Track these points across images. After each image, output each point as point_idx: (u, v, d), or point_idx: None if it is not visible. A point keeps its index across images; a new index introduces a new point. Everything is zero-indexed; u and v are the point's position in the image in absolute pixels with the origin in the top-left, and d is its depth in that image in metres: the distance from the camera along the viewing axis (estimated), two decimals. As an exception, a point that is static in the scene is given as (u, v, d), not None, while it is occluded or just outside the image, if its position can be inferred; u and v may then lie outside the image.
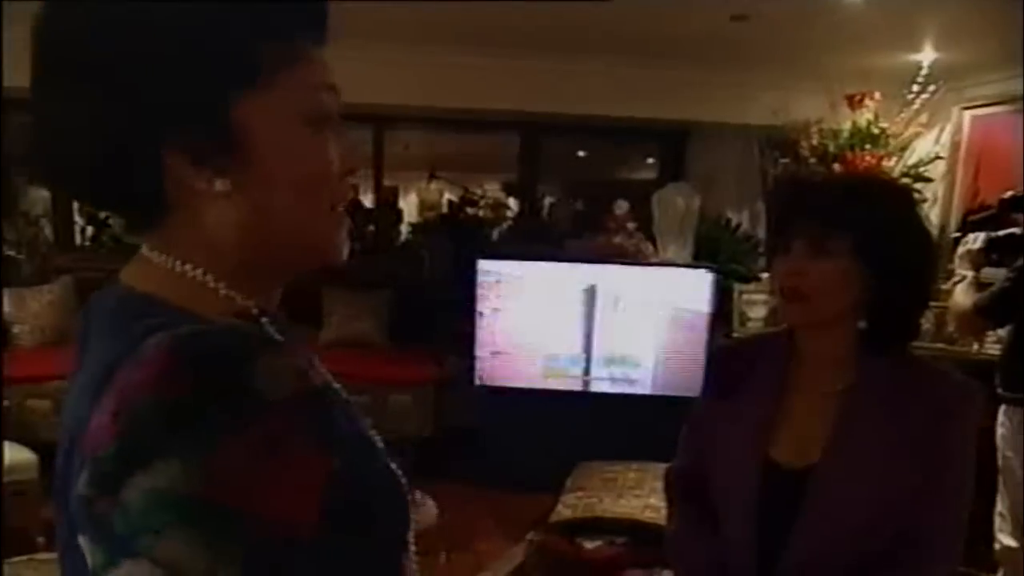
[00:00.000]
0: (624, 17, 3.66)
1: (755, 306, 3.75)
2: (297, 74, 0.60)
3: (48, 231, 4.77)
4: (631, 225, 3.88)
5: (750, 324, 3.85)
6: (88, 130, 0.57)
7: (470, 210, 5.79)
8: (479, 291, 3.79)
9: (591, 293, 3.74)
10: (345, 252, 0.67)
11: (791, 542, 1.17)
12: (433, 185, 8.88)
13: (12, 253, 4.43)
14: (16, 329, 4.00)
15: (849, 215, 1.16)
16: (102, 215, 6.28)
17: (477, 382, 3.83)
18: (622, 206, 3.89)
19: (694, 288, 3.66)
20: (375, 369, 3.91)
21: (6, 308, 4.00)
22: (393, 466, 0.66)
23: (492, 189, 6.28)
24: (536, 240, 4.13)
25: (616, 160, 7.53)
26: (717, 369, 1.39)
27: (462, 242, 4.75)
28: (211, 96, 0.57)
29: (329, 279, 4.48)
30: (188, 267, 0.61)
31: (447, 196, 8.19)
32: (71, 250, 4.77)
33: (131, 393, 0.49)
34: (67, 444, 0.55)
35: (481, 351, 3.81)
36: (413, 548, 0.71)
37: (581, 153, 7.92)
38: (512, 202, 5.66)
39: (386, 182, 9.46)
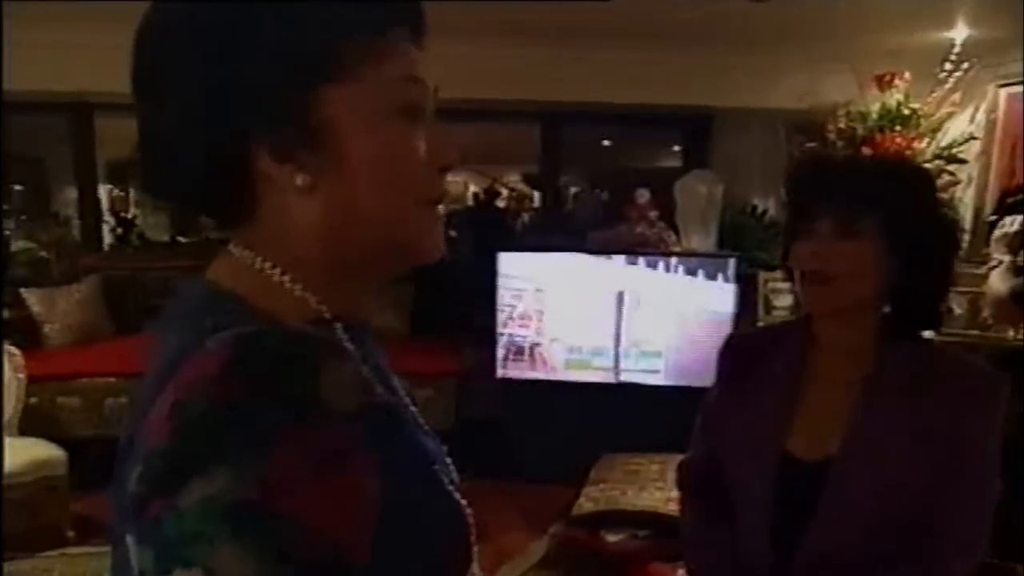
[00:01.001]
0: (642, 1, 3.60)
1: (781, 294, 3.67)
2: (383, 68, 0.58)
3: (76, 231, 4.86)
4: (653, 214, 3.82)
5: (776, 313, 3.77)
6: (179, 128, 0.57)
7: (498, 202, 5.77)
8: (500, 283, 3.77)
9: (615, 284, 3.69)
10: (440, 250, 0.64)
11: (808, 535, 1.13)
12: (458, 177, 8.89)
13: (43, 254, 4.52)
14: (46, 329, 4.07)
15: (879, 194, 1.10)
16: (130, 215, 6.42)
17: (499, 374, 3.81)
18: (644, 195, 3.82)
19: (719, 279, 3.60)
20: (396, 361, 3.82)
21: (36, 308, 4.07)
22: (458, 497, 0.63)
23: (513, 180, 6.24)
24: (559, 231, 4.09)
25: (641, 148, 7.45)
26: (729, 360, 1.35)
27: (485, 234, 4.73)
28: (291, 90, 0.56)
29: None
30: (267, 265, 0.59)
31: (472, 188, 8.18)
32: (99, 250, 4.86)
33: (189, 390, 0.47)
34: (129, 436, 0.54)
35: (502, 343, 3.80)
36: None
37: (606, 142, 7.86)
38: (536, 194, 5.61)
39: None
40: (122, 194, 6.51)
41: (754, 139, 4.82)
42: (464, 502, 0.64)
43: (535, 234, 4.09)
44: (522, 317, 3.77)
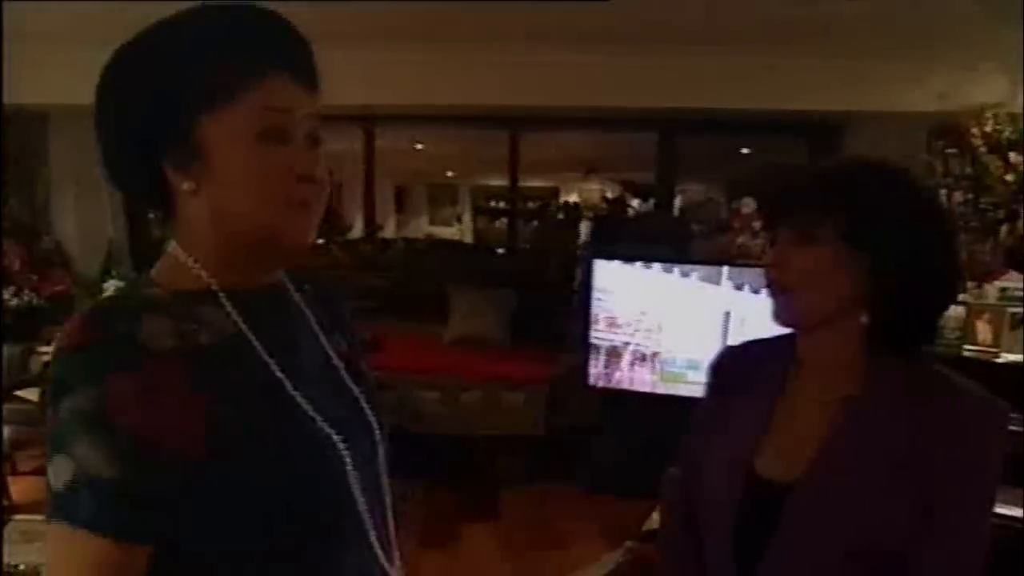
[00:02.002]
0: (758, 4, 3.45)
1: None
2: (251, 98, 0.75)
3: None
4: (757, 224, 3.63)
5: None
6: (113, 144, 0.79)
7: (631, 210, 5.72)
8: (595, 292, 3.74)
9: (710, 295, 3.55)
10: (305, 244, 0.80)
11: (766, 560, 1.05)
12: (593, 185, 8.89)
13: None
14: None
15: (837, 197, 1.02)
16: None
17: (591, 384, 3.78)
18: (749, 204, 3.65)
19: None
20: (490, 367, 3.98)
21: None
22: (319, 426, 0.79)
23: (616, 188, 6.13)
24: (662, 240, 3.99)
25: (773, 157, 7.09)
26: (717, 372, 1.28)
27: (594, 241, 4.70)
28: (178, 117, 0.75)
29: (457, 277, 4.63)
30: (179, 250, 0.80)
31: (608, 194, 8.14)
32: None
33: (61, 341, 0.72)
34: None
35: (595, 353, 3.76)
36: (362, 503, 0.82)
37: (745, 150, 7.55)
38: (636, 202, 5.51)
39: (544, 183, 9.65)
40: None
41: (890, 145, 4.45)
42: (329, 431, 0.80)
43: (638, 242, 4.00)
44: (615, 326, 3.71)
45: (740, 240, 3.52)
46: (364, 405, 0.89)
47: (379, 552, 0.84)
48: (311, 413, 0.80)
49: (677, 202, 5.49)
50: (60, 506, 0.69)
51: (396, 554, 0.89)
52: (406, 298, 4.77)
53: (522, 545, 3.28)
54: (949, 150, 4.05)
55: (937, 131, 4.18)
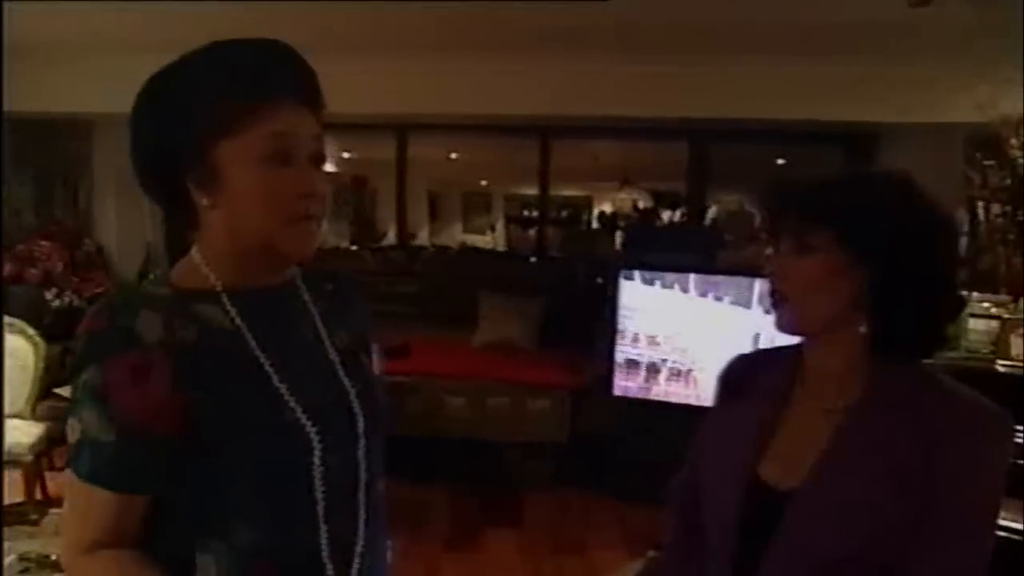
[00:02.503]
0: (790, 10, 3.43)
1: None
2: (258, 126, 0.86)
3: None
4: (787, 234, 3.58)
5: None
6: (143, 163, 0.92)
7: (660, 220, 5.71)
8: (621, 301, 3.74)
9: (740, 318, 3.53)
10: (304, 253, 0.93)
11: (765, 564, 1.06)
12: (625, 194, 8.87)
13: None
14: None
15: (832, 205, 1.03)
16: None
17: (615, 391, 3.78)
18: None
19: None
20: (517, 372, 4.00)
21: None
22: (297, 417, 0.90)
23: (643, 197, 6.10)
24: (693, 250, 3.98)
25: (814, 166, 7.00)
26: (725, 379, 1.29)
27: (625, 250, 4.70)
28: (195, 143, 0.87)
29: (487, 284, 4.66)
30: (196, 253, 0.93)
31: (640, 203, 8.12)
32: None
33: (79, 331, 0.87)
34: None
35: (620, 361, 3.76)
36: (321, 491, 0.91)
37: (780, 161, 7.47)
38: (668, 213, 5.49)
39: (578, 192, 9.65)
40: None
41: (925, 156, 4.35)
42: (303, 420, 0.90)
43: (665, 251, 3.99)
44: (640, 336, 3.71)
45: (768, 251, 3.48)
46: (353, 398, 0.97)
47: (323, 536, 0.92)
48: (291, 404, 0.90)
49: (711, 212, 5.46)
50: (71, 459, 0.86)
51: (361, 535, 0.97)
52: (437, 304, 4.82)
53: (544, 551, 3.29)
54: (987, 162, 3.96)
55: (975, 142, 4.09)
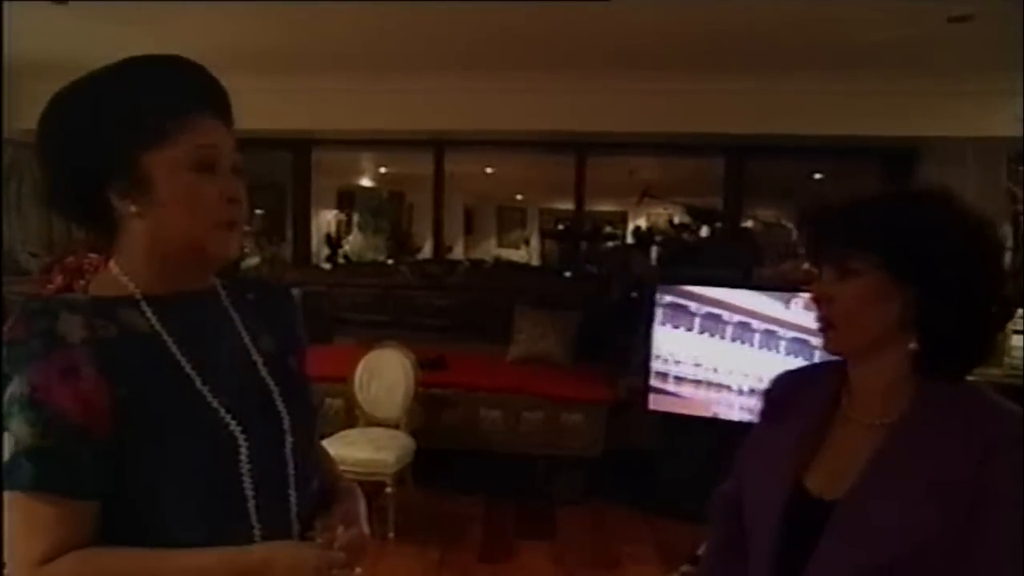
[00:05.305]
0: (827, 26, 3.43)
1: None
2: (183, 137, 0.92)
3: (289, 251, 5.55)
4: (824, 249, 3.56)
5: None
6: (58, 176, 0.95)
7: (696, 235, 5.70)
8: (656, 316, 3.75)
9: (769, 325, 3.52)
10: (229, 257, 0.97)
11: (807, 574, 1.07)
12: (660, 209, 8.84)
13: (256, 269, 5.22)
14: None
15: (871, 227, 1.04)
16: (341, 237, 7.20)
17: (650, 407, 3.78)
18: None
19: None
20: (551, 386, 4.02)
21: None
22: (220, 415, 0.92)
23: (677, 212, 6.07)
24: (725, 266, 3.98)
25: (852, 181, 6.93)
26: (769, 396, 1.31)
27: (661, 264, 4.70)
28: (120, 156, 0.90)
29: (522, 298, 4.70)
30: (113, 265, 0.96)
31: (675, 219, 8.10)
32: (307, 267, 5.48)
33: (4, 336, 0.87)
34: None
35: (655, 376, 3.76)
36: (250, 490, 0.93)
37: (817, 176, 7.42)
38: (705, 228, 5.47)
39: (613, 207, 9.65)
40: (344, 217, 7.32)
41: (967, 171, 4.32)
42: (228, 420, 0.92)
43: (701, 267, 3.99)
44: (674, 351, 3.72)
45: (806, 266, 3.47)
46: (277, 397, 1.00)
47: (257, 534, 0.93)
48: (214, 404, 0.92)
49: (747, 227, 5.43)
50: (8, 476, 0.84)
51: (296, 532, 0.98)
52: (472, 317, 4.87)
53: (577, 564, 3.29)
54: (1031, 176, 3.92)
55: (1017, 156, 4.04)
